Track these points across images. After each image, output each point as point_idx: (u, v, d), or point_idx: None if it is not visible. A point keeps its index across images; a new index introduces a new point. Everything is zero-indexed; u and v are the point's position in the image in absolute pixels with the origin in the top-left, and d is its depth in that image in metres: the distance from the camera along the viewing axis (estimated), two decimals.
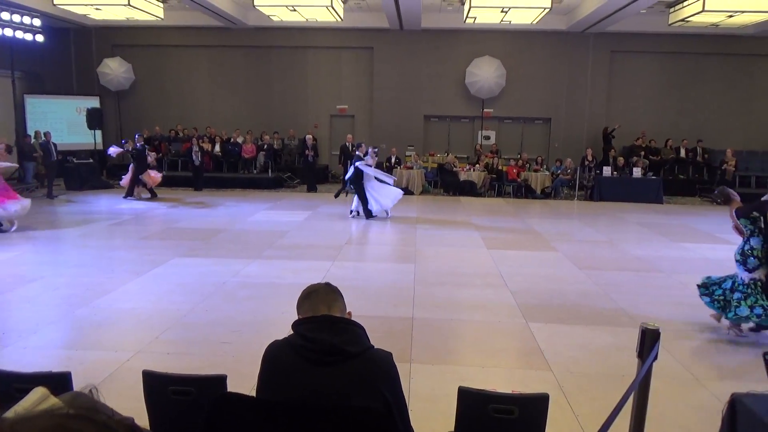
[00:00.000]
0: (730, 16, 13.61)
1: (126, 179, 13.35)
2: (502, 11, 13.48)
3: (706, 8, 12.77)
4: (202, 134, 16.59)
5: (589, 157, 15.63)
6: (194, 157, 14.86)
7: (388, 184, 11.29)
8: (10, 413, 0.59)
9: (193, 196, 13.89)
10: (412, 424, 2.07)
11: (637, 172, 14.98)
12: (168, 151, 16.88)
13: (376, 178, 11.16)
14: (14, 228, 9.06)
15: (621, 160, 15.46)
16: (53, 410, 0.60)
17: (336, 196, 12.53)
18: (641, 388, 2.63)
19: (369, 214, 10.97)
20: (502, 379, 4.08)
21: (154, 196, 13.30)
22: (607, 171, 15.03)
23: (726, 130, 17.14)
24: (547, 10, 13.34)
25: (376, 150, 11.82)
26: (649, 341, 2.58)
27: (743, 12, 13.18)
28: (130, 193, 13.17)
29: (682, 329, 5.23)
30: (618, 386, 3.72)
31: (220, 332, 4.87)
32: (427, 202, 13.97)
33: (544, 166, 15.85)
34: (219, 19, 15.93)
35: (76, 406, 0.61)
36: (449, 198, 14.91)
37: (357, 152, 11.56)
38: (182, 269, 6.99)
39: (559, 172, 15.49)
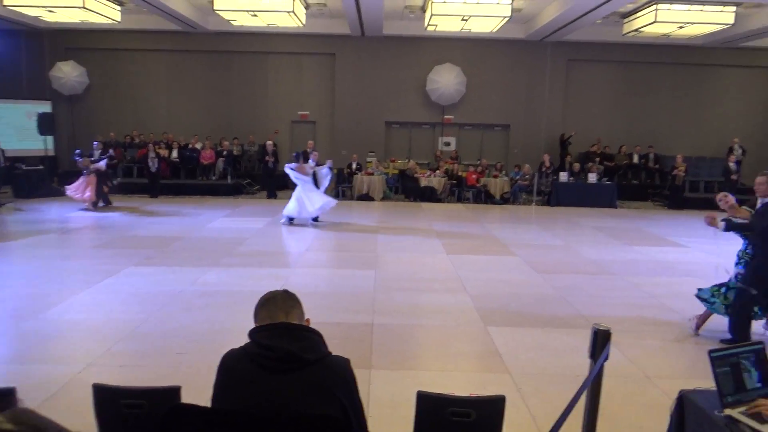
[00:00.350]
0: (681, 27, 14.20)
1: (74, 189, 12.48)
2: (462, 19, 13.70)
3: (657, 19, 13.31)
4: (158, 140, 16.23)
5: (547, 163, 15.99)
6: (150, 163, 14.52)
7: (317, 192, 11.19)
8: None
9: (149, 204, 13.57)
10: (372, 430, 2.08)
11: (592, 177, 15.40)
12: (123, 157, 16.45)
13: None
14: None
15: (577, 166, 15.87)
16: (1, 421, 0.58)
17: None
18: (593, 388, 2.70)
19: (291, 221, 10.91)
20: (460, 382, 4.11)
21: (97, 206, 12.57)
22: (563, 176, 15.40)
23: (676, 136, 17.83)
24: (506, 19, 13.62)
25: (330, 165, 11.91)
26: (600, 342, 2.65)
27: (693, 24, 13.79)
28: (106, 201, 12.76)
29: (633, 329, 5.38)
30: (573, 386, 3.78)
31: (175, 343, 4.76)
32: (387, 208, 14.02)
33: (503, 172, 16.13)
34: (178, 23, 15.65)
35: (19, 422, 0.59)
36: (410, 204, 15.00)
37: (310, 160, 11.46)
38: (136, 279, 6.81)
39: (517, 177, 15.78)
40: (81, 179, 12.54)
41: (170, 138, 16.64)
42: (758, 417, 2.28)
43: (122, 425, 2.51)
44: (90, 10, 13.06)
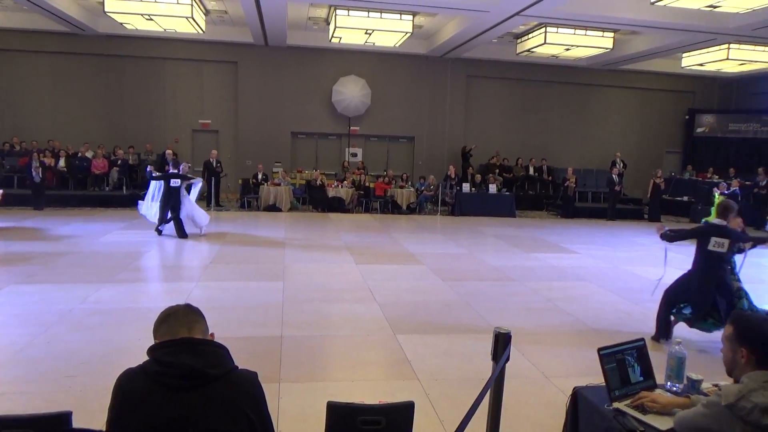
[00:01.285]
0: (567, 50, 15.34)
1: None
2: (366, 33, 13.92)
3: (547, 41, 14.27)
4: (43, 148, 15.03)
5: (452, 174, 16.54)
6: (34, 173, 13.40)
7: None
8: None
9: (32, 217, 12.48)
10: None
11: (492, 188, 16.13)
12: (2, 165, 15.06)
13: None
14: None
15: (478, 177, 16.56)
16: None
17: (158, 231, 10.75)
18: (496, 388, 2.82)
19: (159, 232, 10.62)
20: (370, 391, 4.13)
21: None
22: (466, 187, 16.00)
23: (566, 150, 19.17)
24: (408, 35, 14.01)
25: (189, 165, 11.72)
26: (501, 344, 2.78)
27: (577, 46, 14.93)
28: None
29: (533, 332, 5.67)
30: (478, 389, 3.93)
31: (63, 366, 4.40)
32: (295, 219, 13.86)
33: (409, 183, 16.50)
34: (64, 23, 14.64)
35: None
36: (318, 214, 14.93)
37: (169, 168, 11.12)
38: (18, 297, 6.23)
39: (423, 188, 16.20)
40: None
41: (57, 145, 15.47)
42: (641, 408, 2.49)
43: None
44: None
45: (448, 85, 18.32)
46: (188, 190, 10.88)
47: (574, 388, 2.86)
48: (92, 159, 15.34)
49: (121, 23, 13.80)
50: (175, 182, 10.42)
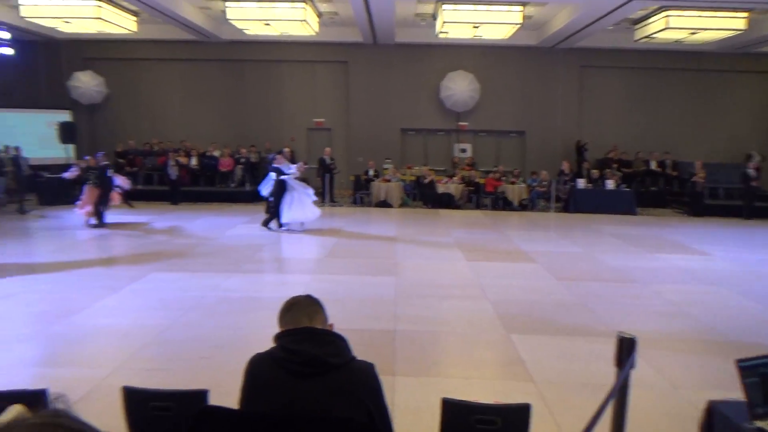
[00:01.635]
0: (693, 33, 14.07)
1: (84, 204, 11.32)
2: (473, 26, 13.72)
3: (669, 25, 13.20)
4: (178, 148, 16.42)
5: (566, 170, 15.88)
6: (170, 171, 14.69)
7: (309, 197, 11.17)
8: None
9: (170, 211, 13.71)
10: None
11: (609, 183, 15.27)
12: (143, 164, 16.67)
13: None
14: None
15: (596, 173, 15.74)
16: (32, 420, 0.60)
17: (266, 224, 11.15)
18: (619, 397, 2.67)
19: (279, 225, 10.93)
20: (484, 390, 4.09)
21: (127, 206, 12.57)
22: (581, 183, 15.29)
23: (691, 142, 17.63)
24: (517, 26, 13.61)
25: (306, 165, 12.02)
26: (625, 350, 2.63)
27: (705, 30, 13.64)
28: (100, 219, 11.30)
29: (658, 338, 5.32)
30: (598, 395, 3.76)
31: (199, 347, 4.81)
32: (406, 215, 14.02)
33: (521, 179, 16.07)
34: (192, 32, 15.86)
35: (57, 416, 0.61)
36: (428, 210, 14.99)
37: (274, 164, 11.33)
38: (160, 284, 6.88)
39: (535, 184, 15.71)
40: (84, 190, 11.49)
41: (188, 146, 16.83)
42: None
43: (151, 427, 2.55)
44: (106, 21, 13.25)
45: (560, 77, 17.58)
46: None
47: (708, 402, 2.65)
48: (219, 158, 16.53)
49: (242, 29, 14.70)
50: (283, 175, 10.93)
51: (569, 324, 5.69)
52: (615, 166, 16.48)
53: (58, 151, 15.81)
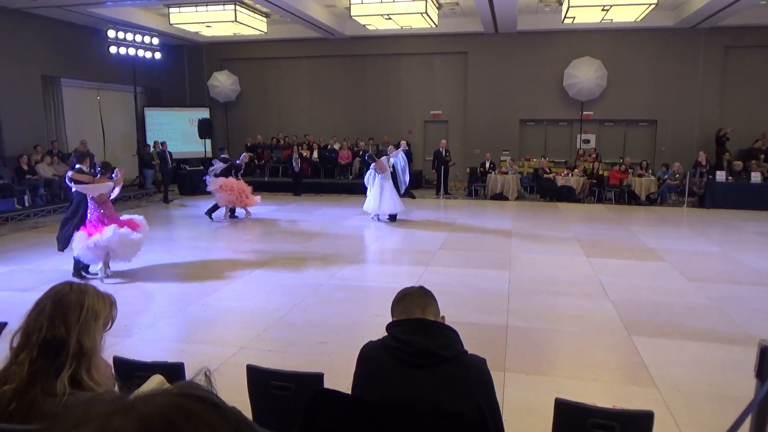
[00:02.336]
0: None
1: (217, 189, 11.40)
2: (602, 9, 12.93)
3: None
4: (301, 141, 17.26)
5: (703, 162, 14.55)
6: (294, 163, 15.49)
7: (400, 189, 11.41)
8: (134, 393, 0.66)
9: (292, 202, 14.48)
10: None
11: (755, 177, 13.74)
12: (270, 158, 17.73)
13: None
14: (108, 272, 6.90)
15: (739, 164, 14.24)
16: (171, 390, 0.66)
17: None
18: (759, 412, 2.43)
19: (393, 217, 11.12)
20: (601, 393, 3.90)
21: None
22: (720, 176, 13.92)
23: None
24: (652, 6, 12.63)
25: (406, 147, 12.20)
26: None
27: None
28: (232, 212, 11.69)
29: None
30: (732, 408, 3.45)
31: (316, 332, 5.05)
32: (522, 208, 13.64)
33: (650, 171, 14.95)
34: (318, 30, 16.53)
35: (192, 388, 0.67)
36: (546, 204, 14.46)
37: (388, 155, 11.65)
38: (281, 271, 7.31)
39: (666, 177, 14.56)
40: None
41: (311, 139, 17.62)
42: None
43: (271, 404, 2.73)
44: (241, 23, 14.27)
45: (699, 60, 16.05)
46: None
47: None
48: (339, 150, 17.14)
49: (364, 25, 15.06)
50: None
51: (701, 329, 5.23)
52: (762, 157, 14.77)
53: (197, 146, 17.34)
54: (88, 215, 6.70)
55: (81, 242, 6.48)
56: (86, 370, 1.63)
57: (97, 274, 6.85)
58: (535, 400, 3.72)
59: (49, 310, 1.63)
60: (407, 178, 11.94)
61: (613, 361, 4.62)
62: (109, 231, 6.48)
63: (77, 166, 7.03)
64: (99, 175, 6.88)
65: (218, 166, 11.60)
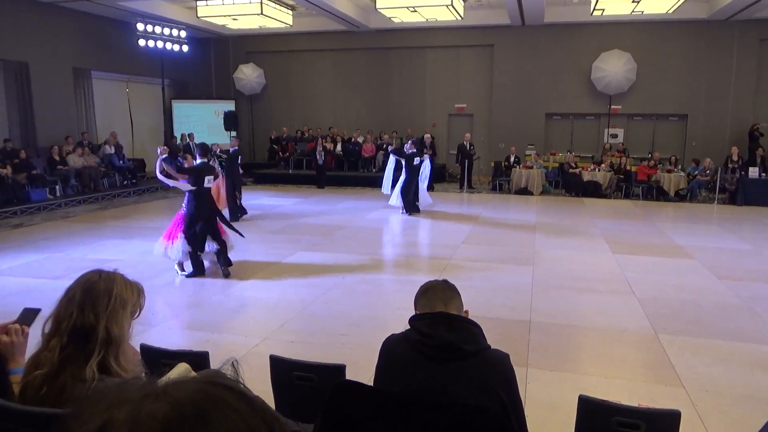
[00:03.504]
0: None
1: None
2: (633, 1, 12.68)
3: None
4: (325, 134, 17.31)
5: (735, 157, 14.18)
6: (318, 156, 15.55)
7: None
8: (162, 379, 0.67)
9: (316, 194, 14.55)
10: (529, 430, 2.03)
11: None
12: (294, 150, 17.84)
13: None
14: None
15: None
16: (200, 378, 0.67)
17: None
18: None
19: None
20: (626, 391, 3.84)
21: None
22: (753, 172, 13.56)
23: None
24: None
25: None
26: None
27: None
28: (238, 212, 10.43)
29: None
30: (762, 410, 3.37)
31: (338, 324, 5.08)
32: (547, 203, 13.49)
33: (679, 167, 14.64)
34: (343, 23, 16.52)
35: (220, 377, 0.69)
36: (571, 199, 14.27)
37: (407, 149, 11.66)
38: (304, 262, 7.36)
39: (696, 173, 14.24)
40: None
41: (335, 132, 17.66)
42: None
43: (294, 394, 2.76)
44: (267, 16, 14.35)
45: (733, 53, 15.62)
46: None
47: None
48: (362, 144, 17.15)
49: (390, 17, 15.01)
50: (416, 161, 11.34)
51: (731, 328, 5.12)
52: None
53: (223, 138, 17.51)
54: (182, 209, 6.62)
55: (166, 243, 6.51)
56: (114, 356, 1.66)
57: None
58: (558, 397, 3.69)
59: (79, 297, 1.67)
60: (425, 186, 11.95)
61: (638, 359, 4.55)
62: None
63: (199, 160, 6.84)
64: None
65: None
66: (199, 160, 6.79)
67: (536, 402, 3.63)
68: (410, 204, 11.22)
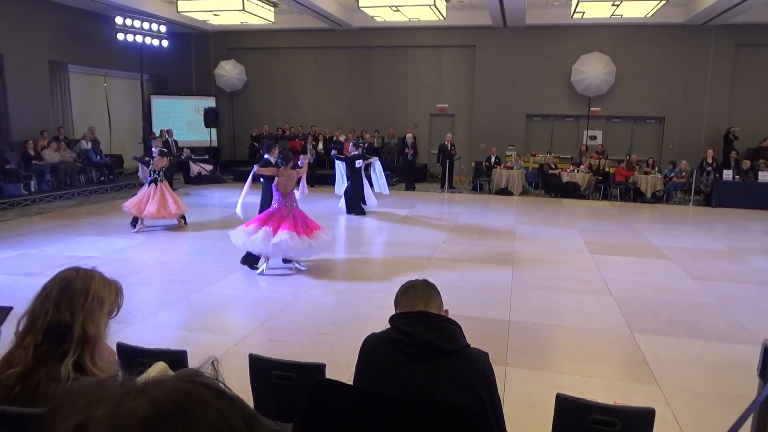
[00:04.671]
0: None
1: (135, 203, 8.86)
2: (612, 5, 12.85)
3: None
4: (308, 133, 17.21)
5: (710, 159, 14.47)
6: (309, 155, 15.46)
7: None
8: (141, 378, 0.67)
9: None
10: (507, 428, 2.05)
11: (763, 176, 13.67)
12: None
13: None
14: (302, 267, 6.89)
15: (747, 164, 14.17)
16: (179, 376, 0.67)
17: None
18: (762, 411, 2.42)
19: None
20: (602, 389, 3.90)
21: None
22: (727, 175, 13.85)
23: None
24: (663, 2, 12.54)
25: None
26: None
27: None
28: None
29: None
30: (734, 407, 3.45)
31: (319, 323, 5.06)
32: (527, 204, 13.61)
33: (656, 169, 14.89)
34: (325, 21, 16.46)
35: (199, 376, 0.68)
36: (551, 200, 14.43)
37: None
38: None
39: (672, 175, 14.49)
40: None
41: (317, 130, 17.59)
42: None
43: (273, 393, 2.74)
44: (248, 12, 14.20)
45: (709, 57, 15.93)
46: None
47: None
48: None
49: (372, 16, 14.99)
50: (358, 163, 11.37)
51: (704, 327, 5.22)
52: None
53: (202, 135, 17.35)
54: (272, 205, 6.69)
55: (248, 235, 6.44)
56: (90, 356, 1.64)
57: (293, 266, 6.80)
58: (536, 395, 3.73)
59: (55, 295, 1.64)
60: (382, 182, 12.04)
61: (614, 358, 4.62)
62: (282, 234, 6.33)
63: (266, 156, 7.00)
64: (281, 167, 6.71)
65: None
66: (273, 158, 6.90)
67: (514, 400, 3.66)
68: (353, 205, 11.22)
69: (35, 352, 1.59)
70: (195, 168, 11.16)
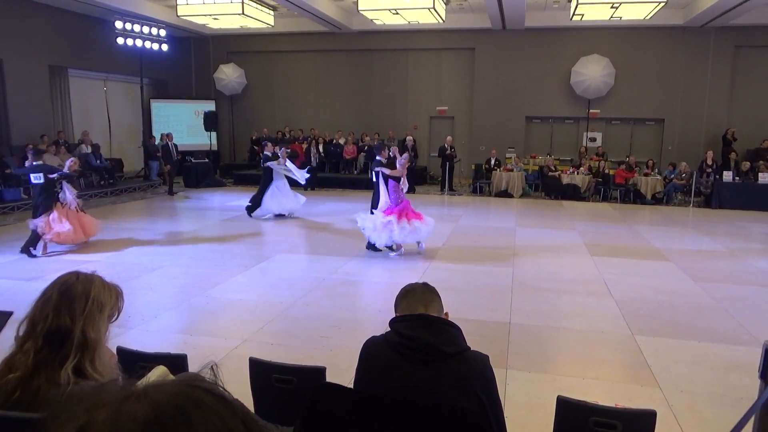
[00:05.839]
0: None
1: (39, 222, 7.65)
2: (612, 7, 12.87)
3: None
4: (307, 136, 17.23)
5: (709, 161, 14.48)
6: (312, 159, 15.48)
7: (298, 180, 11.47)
8: (142, 382, 0.67)
9: (305, 195, 14.42)
10: (508, 431, 2.05)
11: (763, 178, 13.67)
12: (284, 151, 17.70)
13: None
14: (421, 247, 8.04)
15: (746, 165, 14.17)
16: (179, 381, 0.67)
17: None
18: (763, 413, 2.42)
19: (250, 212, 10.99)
20: (603, 391, 3.89)
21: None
22: (727, 176, 13.86)
23: None
24: (662, 5, 12.56)
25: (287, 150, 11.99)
26: None
27: None
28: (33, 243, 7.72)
29: None
30: (734, 409, 3.44)
31: (319, 326, 5.06)
32: (527, 206, 13.61)
33: (656, 170, 14.89)
34: (325, 24, 16.49)
35: (199, 380, 0.69)
36: (551, 202, 14.43)
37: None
38: (285, 264, 7.33)
39: (672, 176, 14.50)
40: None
41: (317, 133, 17.60)
42: None
43: (272, 397, 2.74)
44: (248, 16, 14.24)
45: (709, 59, 15.95)
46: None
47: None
48: (344, 145, 17.11)
49: (372, 20, 15.01)
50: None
51: (705, 329, 5.22)
52: None
53: (202, 138, 17.36)
54: (389, 197, 7.80)
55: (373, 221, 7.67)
56: (90, 360, 1.63)
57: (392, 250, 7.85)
58: (536, 398, 3.72)
59: (55, 299, 1.64)
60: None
61: (615, 360, 4.61)
62: (415, 223, 7.66)
63: (378, 158, 8.13)
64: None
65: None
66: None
67: (515, 403, 3.66)
68: (251, 208, 11.02)
69: (35, 357, 1.58)
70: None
